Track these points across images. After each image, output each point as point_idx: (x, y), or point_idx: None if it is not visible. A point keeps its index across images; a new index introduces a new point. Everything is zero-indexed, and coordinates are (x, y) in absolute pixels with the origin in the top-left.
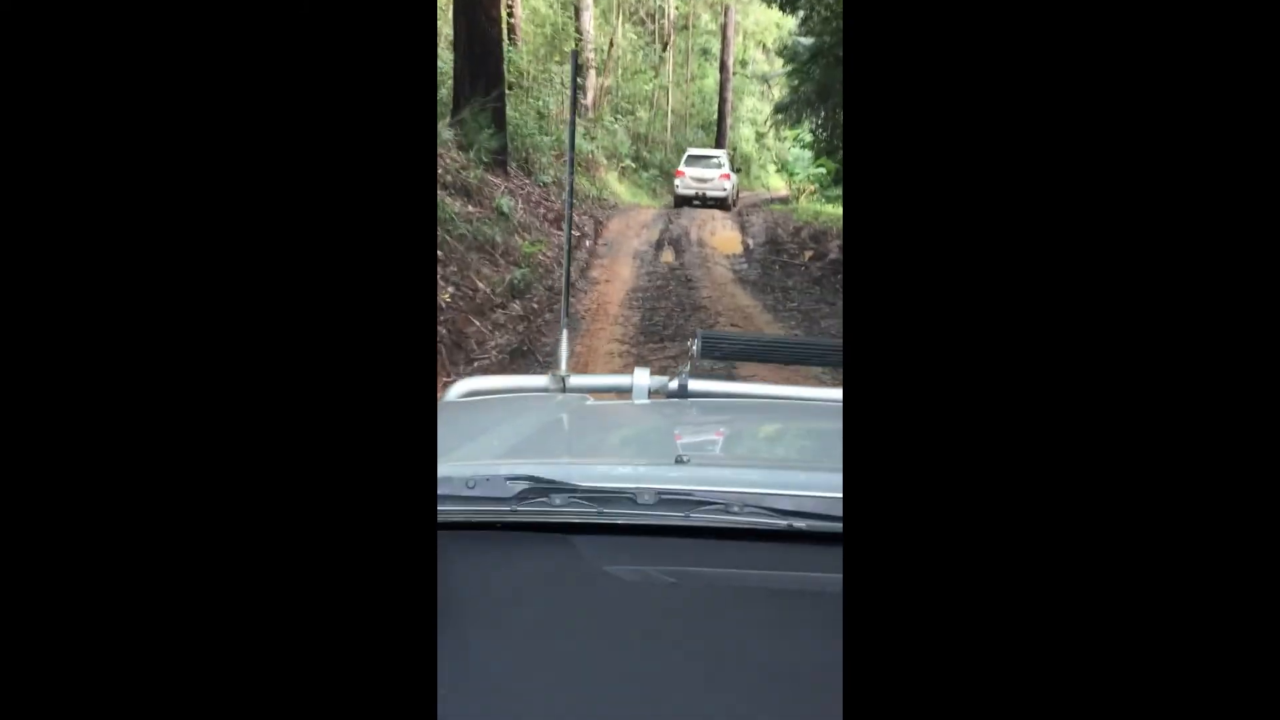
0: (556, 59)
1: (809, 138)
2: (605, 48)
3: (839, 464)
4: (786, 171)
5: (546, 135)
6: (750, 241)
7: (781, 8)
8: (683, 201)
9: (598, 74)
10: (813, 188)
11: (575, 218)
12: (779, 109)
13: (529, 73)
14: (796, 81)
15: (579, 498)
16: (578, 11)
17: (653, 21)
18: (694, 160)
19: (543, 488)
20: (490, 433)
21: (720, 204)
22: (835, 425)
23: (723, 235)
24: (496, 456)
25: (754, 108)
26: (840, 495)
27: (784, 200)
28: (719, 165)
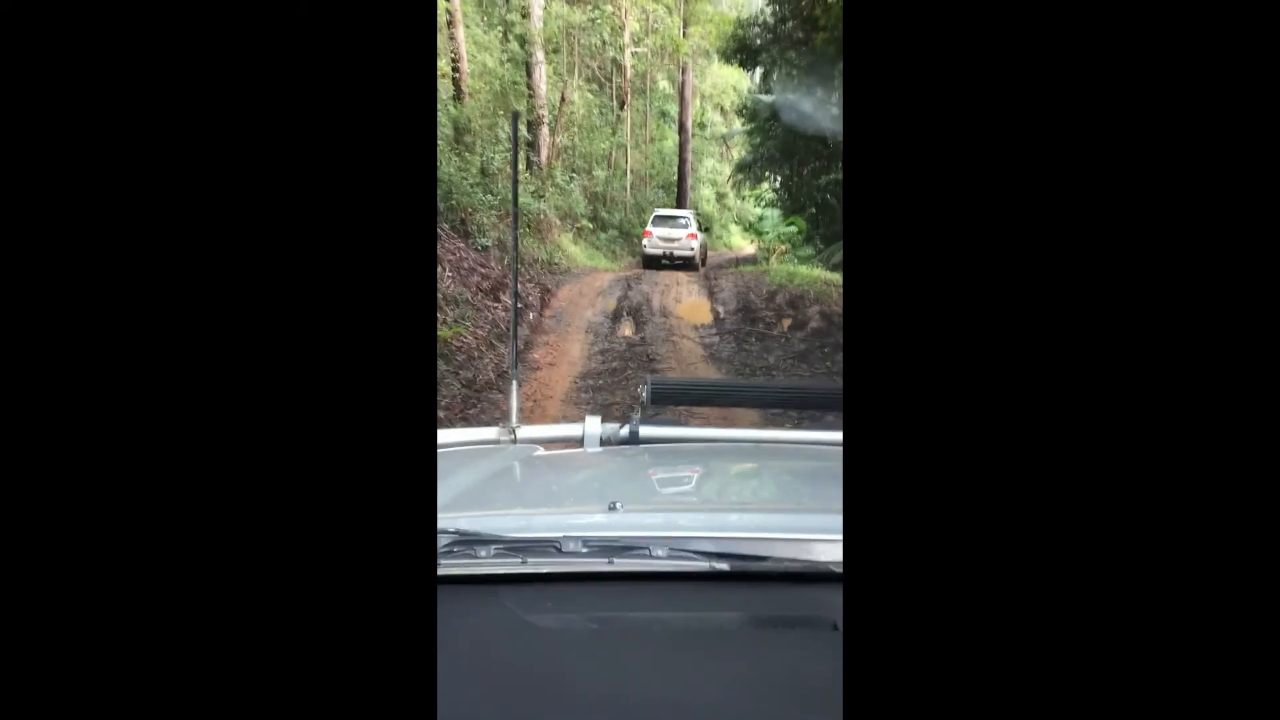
0: (501, 112)
1: (770, 195)
2: (557, 103)
3: (769, 502)
4: (754, 231)
5: (490, 194)
6: (720, 309)
7: (742, 64)
8: (651, 262)
9: (550, 131)
10: (784, 247)
11: (520, 286)
12: (741, 167)
13: (475, 128)
14: (758, 139)
15: (504, 548)
16: (529, 68)
17: (609, 81)
18: (661, 220)
19: (469, 540)
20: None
21: (688, 264)
22: (787, 464)
23: (689, 302)
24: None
25: (713, 168)
26: (760, 534)
27: (752, 260)
28: (686, 225)
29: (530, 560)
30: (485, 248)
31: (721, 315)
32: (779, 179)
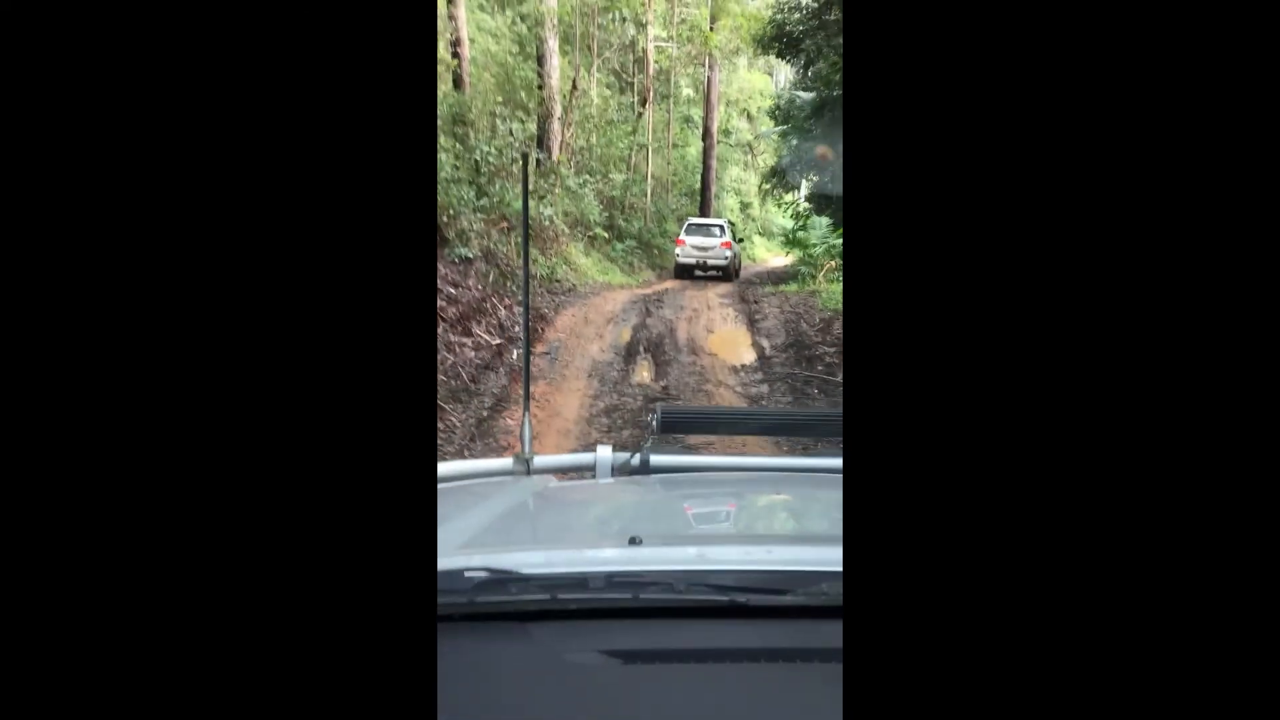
0: (499, 100)
1: (805, 205)
2: (568, 93)
3: (792, 534)
4: (794, 243)
5: (483, 195)
6: (765, 344)
7: (780, 55)
8: (683, 271)
9: (561, 125)
10: (833, 263)
11: (504, 313)
12: (776, 172)
13: (472, 119)
14: (794, 141)
15: (533, 586)
16: (540, 56)
17: (629, 74)
18: (695, 229)
19: (499, 578)
20: (453, 522)
21: (722, 273)
22: (798, 492)
23: (725, 333)
24: (459, 547)
25: (738, 177)
26: (784, 567)
27: (788, 275)
28: (721, 234)
29: (558, 596)
30: (464, 259)
31: (767, 352)
32: (817, 183)
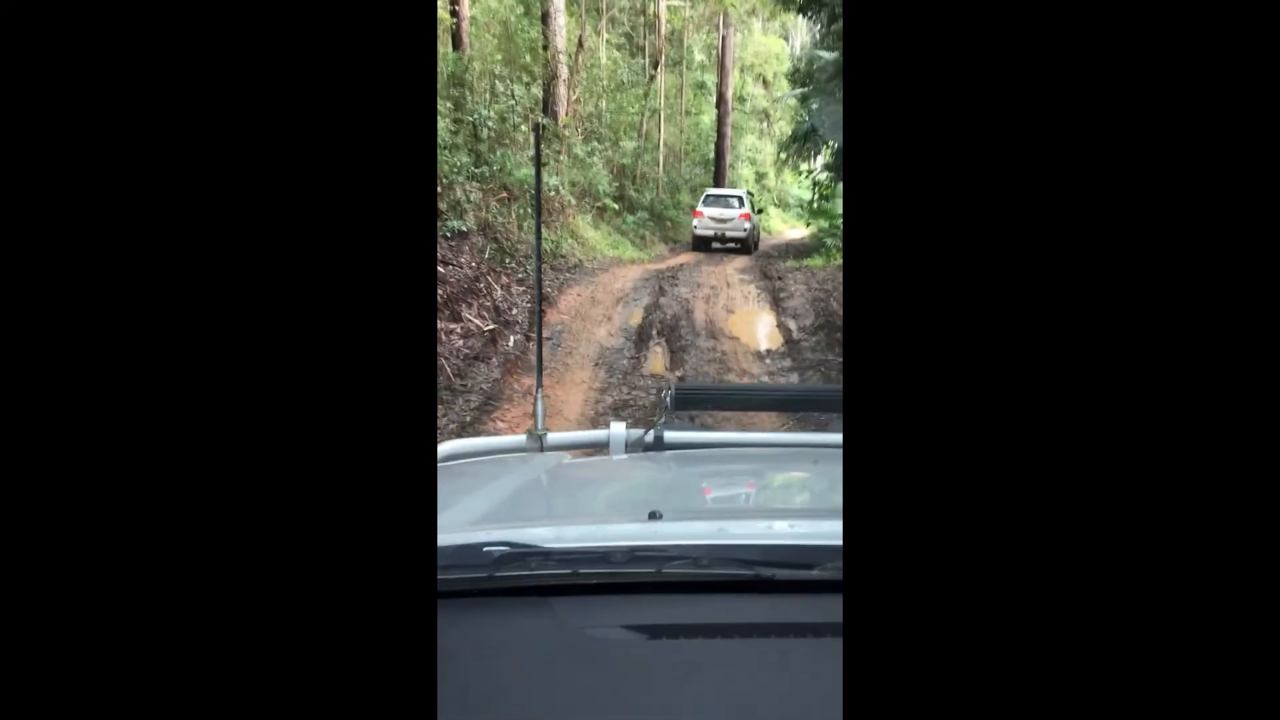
0: (499, 57)
1: (825, 176)
2: (574, 52)
3: (814, 508)
4: (822, 215)
5: (483, 164)
6: (792, 325)
7: (801, 11)
8: (701, 243)
9: (567, 88)
10: None
11: (499, 294)
12: (796, 137)
13: (470, 80)
14: (816, 104)
15: (554, 560)
16: (545, 14)
17: (640, 37)
18: (713, 200)
19: (519, 553)
20: (469, 498)
21: (741, 245)
22: (812, 469)
23: (747, 314)
24: (476, 522)
25: (753, 145)
26: (807, 541)
27: (812, 249)
28: (739, 205)
29: (580, 570)
30: (458, 233)
31: (795, 335)
32: (840, 148)
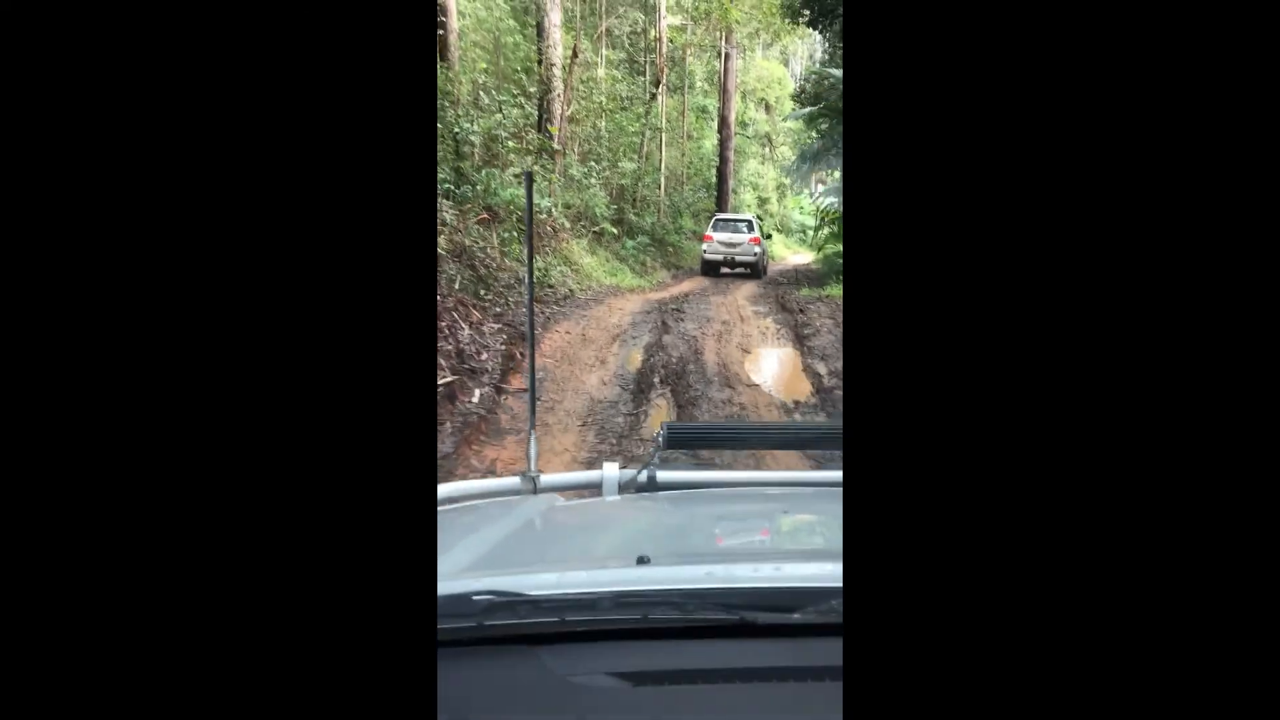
0: (485, 67)
1: (828, 203)
2: (568, 63)
3: (802, 550)
4: (831, 241)
5: (466, 183)
6: (822, 369)
7: (811, 24)
8: (710, 268)
9: (560, 103)
10: None
11: (466, 335)
12: (805, 158)
13: (455, 92)
14: (826, 124)
15: (542, 608)
16: (541, 30)
17: (640, 56)
18: (722, 225)
19: (508, 601)
20: (459, 544)
21: (751, 270)
22: (807, 508)
23: (767, 355)
24: (469, 569)
25: (755, 171)
26: (792, 584)
27: (826, 276)
28: (749, 229)
29: (567, 618)
30: None
31: (826, 381)
32: None
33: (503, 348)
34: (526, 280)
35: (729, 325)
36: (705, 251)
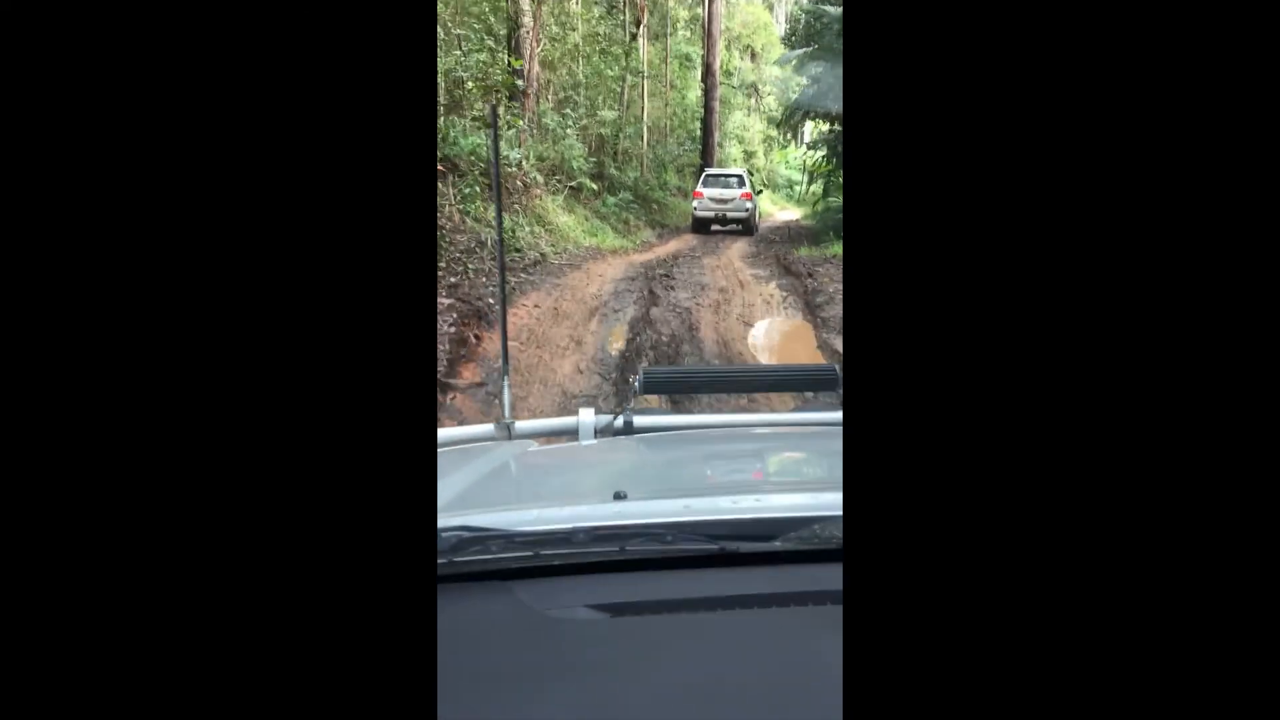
0: (445, 4)
1: (818, 155)
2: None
3: (780, 483)
4: (835, 193)
5: None
6: (840, 345)
7: None
8: (700, 225)
9: (530, 39)
10: None
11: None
12: (799, 105)
13: None
14: (821, 66)
15: (515, 543)
16: None
17: None
18: (712, 180)
19: (478, 536)
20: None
21: (743, 226)
22: (779, 445)
23: (774, 329)
24: (441, 510)
25: (741, 123)
26: (772, 514)
27: (822, 233)
28: (740, 184)
29: (541, 553)
30: None
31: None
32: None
33: (452, 330)
34: (495, 232)
35: (727, 293)
36: (696, 208)
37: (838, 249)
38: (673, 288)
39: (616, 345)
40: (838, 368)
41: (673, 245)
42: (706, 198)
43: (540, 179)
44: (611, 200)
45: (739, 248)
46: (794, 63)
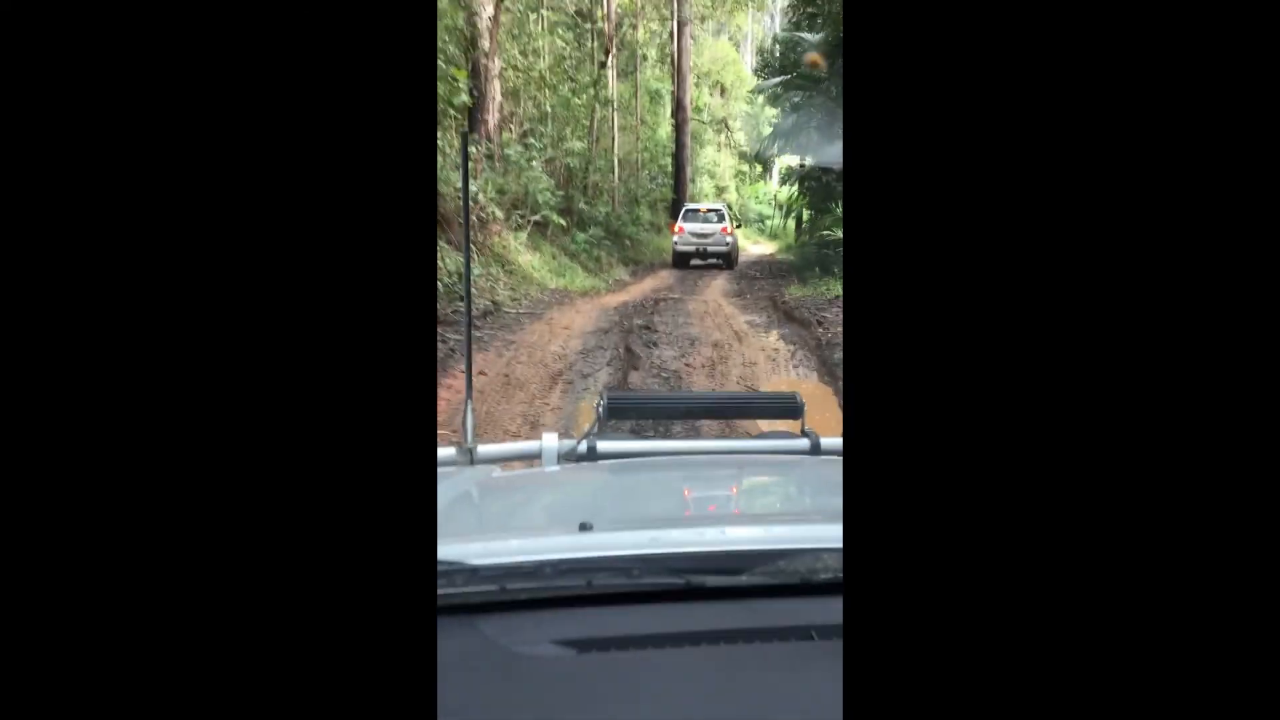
0: None
1: (790, 191)
2: (494, 17)
3: (747, 515)
4: (827, 225)
5: None
6: None
7: None
8: (681, 260)
9: (486, 60)
10: None
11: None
12: (777, 135)
13: None
14: (798, 96)
15: (480, 577)
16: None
17: (586, 21)
18: (692, 215)
19: (444, 570)
20: None
21: (724, 261)
22: (745, 474)
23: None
24: None
25: (712, 159)
26: (738, 547)
27: (803, 268)
28: (719, 219)
29: (508, 586)
30: None
31: None
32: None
33: None
34: (464, 265)
35: (722, 348)
36: (677, 243)
37: (836, 288)
38: (655, 343)
39: (586, 424)
40: (798, 395)
41: (649, 284)
42: (688, 233)
43: (499, 214)
44: (581, 236)
45: (720, 284)
46: (765, 96)
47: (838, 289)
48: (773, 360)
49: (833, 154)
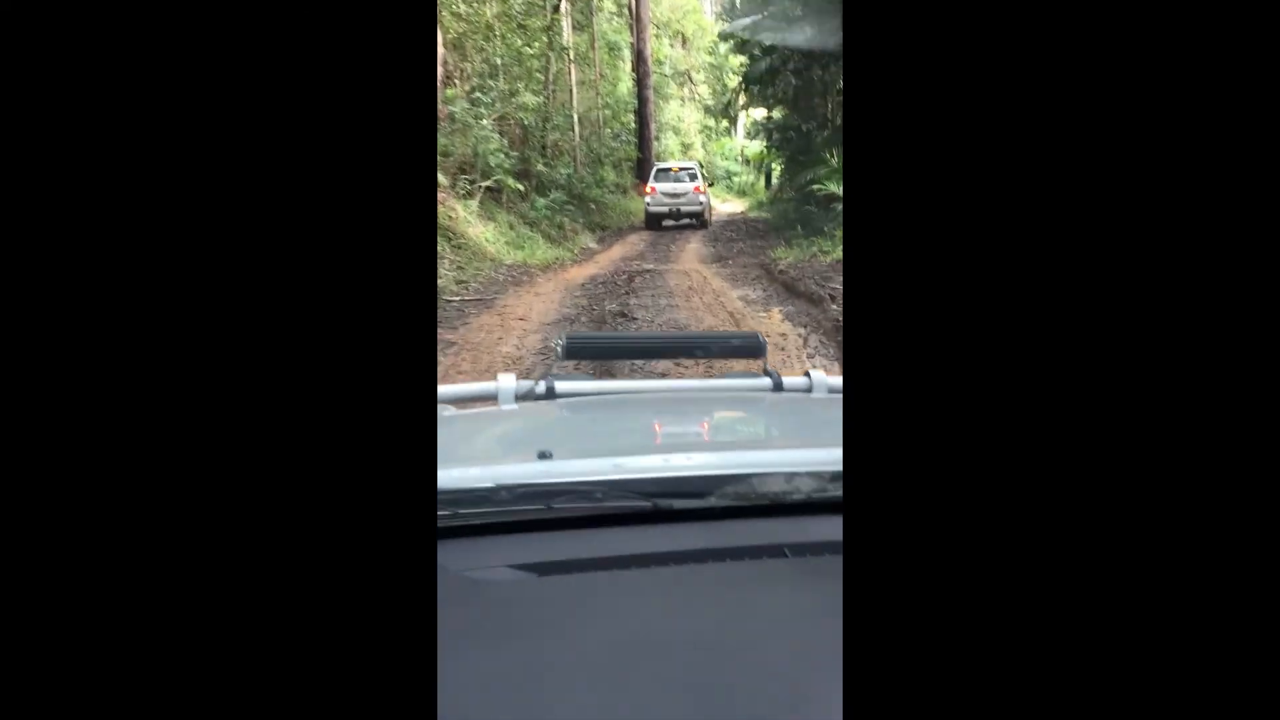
0: None
1: (767, 142)
2: None
3: (715, 441)
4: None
5: None
6: None
7: None
8: (654, 221)
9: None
10: None
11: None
12: (750, 79)
13: None
14: (774, 34)
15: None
16: None
17: None
18: (663, 175)
19: None
20: None
21: (697, 220)
22: (710, 407)
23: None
24: None
25: (676, 114)
26: (708, 471)
27: (785, 226)
28: (692, 179)
29: (460, 511)
30: None
31: None
32: (800, 94)
33: None
34: None
35: (715, 316)
36: (649, 204)
37: (834, 251)
38: (634, 329)
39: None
40: (760, 334)
41: (618, 251)
42: (660, 193)
43: (444, 180)
44: (541, 202)
45: (695, 248)
46: (736, 40)
47: (835, 252)
48: (781, 349)
49: (829, 45)
